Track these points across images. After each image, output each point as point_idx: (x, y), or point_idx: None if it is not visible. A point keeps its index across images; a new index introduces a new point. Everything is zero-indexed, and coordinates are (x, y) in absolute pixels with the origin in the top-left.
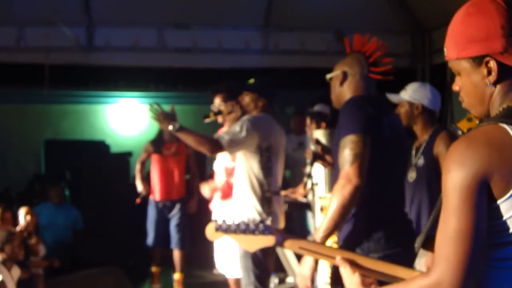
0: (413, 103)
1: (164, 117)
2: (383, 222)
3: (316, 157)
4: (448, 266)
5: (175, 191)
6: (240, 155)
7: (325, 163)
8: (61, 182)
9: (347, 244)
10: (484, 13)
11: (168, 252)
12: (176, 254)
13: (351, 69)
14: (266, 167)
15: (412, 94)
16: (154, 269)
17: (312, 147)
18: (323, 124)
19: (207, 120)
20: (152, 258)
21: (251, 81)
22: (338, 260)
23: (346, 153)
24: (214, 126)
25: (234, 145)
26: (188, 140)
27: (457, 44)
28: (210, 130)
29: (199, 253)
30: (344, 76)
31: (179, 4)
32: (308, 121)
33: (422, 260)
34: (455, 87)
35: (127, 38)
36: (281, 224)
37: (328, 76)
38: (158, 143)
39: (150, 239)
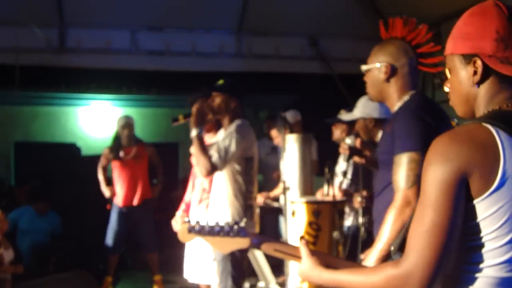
0: (366, 118)
1: (199, 115)
2: None
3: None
4: (420, 259)
5: (139, 195)
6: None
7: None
8: (24, 187)
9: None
10: (485, 14)
11: (142, 256)
12: (150, 257)
13: (397, 61)
14: (250, 175)
15: (362, 109)
16: (109, 278)
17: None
18: (288, 131)
19: (176, 124)
20: (108, 263)
21: (221, 81)
22: (300, 245)
23: (405, 173)
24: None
25: (227, 162)
26: (196, 151)
27: (453, 40)
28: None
29: (169, 257)
30: (392, 70)
31: (152, 7)
32: (275, 130)
33: None
34: (447, 85)
35: (100, 40)
36: (257, 228)
37: (366, 67)
38: (116, 149)
39: (107, 244)
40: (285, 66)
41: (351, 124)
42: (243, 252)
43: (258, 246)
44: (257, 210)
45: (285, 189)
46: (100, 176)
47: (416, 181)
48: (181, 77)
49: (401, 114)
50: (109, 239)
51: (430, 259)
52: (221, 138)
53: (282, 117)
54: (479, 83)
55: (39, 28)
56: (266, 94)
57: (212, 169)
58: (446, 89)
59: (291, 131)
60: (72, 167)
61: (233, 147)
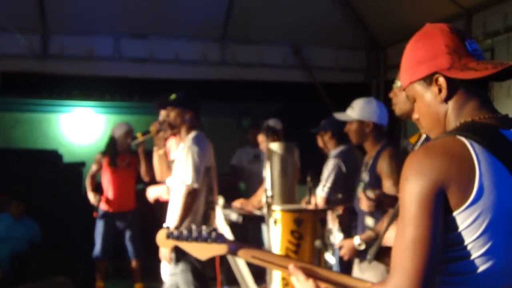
0: (363, 121)
1: (158, 134)
2: None
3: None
4: (405, 276)
5: (128, 202)
6: (180, 173)
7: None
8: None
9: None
10: (429, 36)
11: (124, 263)
12: (134, 264)
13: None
14: (209, 184)
15: (360, 112)
16: (99, 283)
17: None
18: (275, 138)
19: (136, 142)
20: (97, 269)
21: (173, 96)
22: (291, 269)
23: None
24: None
25: (198, 177)
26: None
27: (408, 69)
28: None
29: (151, 265)
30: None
31: (136, 14)
32: (261, 135)
33: (371, 272)
34: (415, 116)
35: (82, 47)
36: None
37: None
38: (113, 155)
39: (97, 250)
40: (268, 75)
41: (335, 132)
42: (206, 261)
43: (235, 253)
44: (240, 218)
45: (267, 198)
46: (88, 182)
47: None
48: (164, 85)
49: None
50: (98, 245)
51: (415, 275)
52: (183, 156)
53: (266, 126)
54: (447, 99)
55: (21, 35)
56: (249, 102)
57: (193, 191)
58: (416, 116)
59: (275, 139)
60: (54, 174)
61: (197, 160)
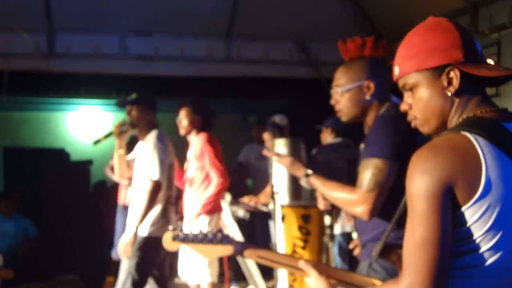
0: None
1: (120, 135)
2: None
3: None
4: (417, 275)
5: None
6: (144, 170)
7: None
8: (14, 193)
9: (372, 263)
10: (444, 28)
11: None
12: None
13: (377, 78)
14: (168, 181)
15: None
16: (110, 278)
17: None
18: (281, 134)
19: (98, 144)
20: (112, 265)
21: (134, 95)
22: (302, 264)
23: (366, 176)
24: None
25: (164, 172)
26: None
27: (417, 56)
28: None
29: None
30: (374, 87)
31: (141, 12)
32: (267, 132)
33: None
34: (404, 106)
35: (88, 45)
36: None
37: (344, 88)
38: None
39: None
40: (274, 71)
41: (335, 128)
42: (152, 258)
43: (241, 253)
44: (247, 214)
45: (274, 194)
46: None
47: (376, 187)
48: (170, 82)
49: (376, 123)
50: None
51: (427, 274)
52: (148, 153)
53: (272, 122)
54: (456, 93)
55: (28, 34)
56: (255, 99)
57: (159, 186)
58: (405, 106)
59: (281, 135)
60: (61, 172)
61: (162, 155)
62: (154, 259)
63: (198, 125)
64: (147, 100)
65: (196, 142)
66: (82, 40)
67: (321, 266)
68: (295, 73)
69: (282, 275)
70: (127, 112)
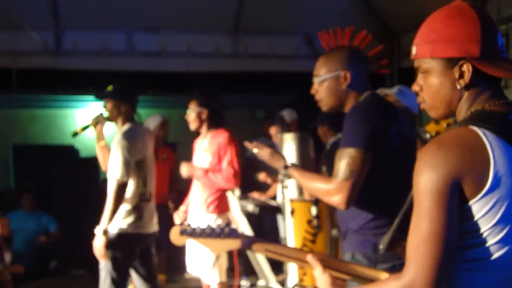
0: (409, 109)
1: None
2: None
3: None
4: (421, 268)
5: (163, 195)
6: (110, 169)
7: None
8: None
9: (354, 253)
10: (466, 17)
11: None
12: (159, 256)
13: (353, 68)
14: (142, 177)
15: (410, 100)
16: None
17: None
18: (289, 129)
19: (76, 136)
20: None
21: (110, 87)
22: (310, 259)
23: (342, 166)
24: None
25: (129, 171)
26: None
27: (433, 42)
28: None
29: (175, 256)
30: (350, 77)
31: (148, 8)
32: (275, 127)
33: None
34: (415, 87)
35: (96, 42)
36: (150, 228)
37: (321, 78)
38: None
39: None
40: (281, 65)
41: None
42: (129, 255)
43: (249, 247)
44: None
45: (283, 188)
46: None
47: (351, 176)
48: (177, 78)
49: (349, 113)
50: None
51: (431, 267)
52: (113, 150)
53: (280, 117)
54: (466, 87)
55: (35, 32)
56: (262, 94)
57: (123, 185)
58: (417, 88)
59: (289, 130)
60: (71, 168)
61: (126, 155)
62: (130, 256)
63: (207, 118)
64: (121, 93)
65: (214, 138)
66: (89, 37)
67: (330, 260)
68: (302, 67)
69: (292, 269)
70: (103, 104)
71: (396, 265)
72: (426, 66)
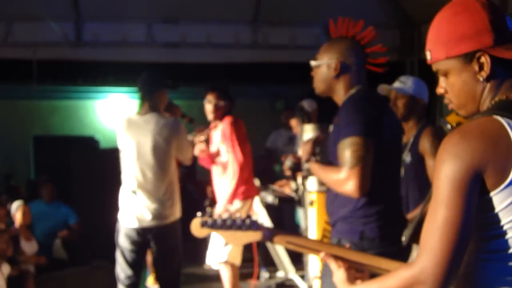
0: (415, 97)
1: None
2: (379, 221)
3: (296, 169)
4: (433, 256)
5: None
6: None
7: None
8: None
9: (342, 241)
10: (471, 10)
11: None
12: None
13: (347, 59)
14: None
15: (415, 88)
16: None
17: (288, 162)
18: (306, 120)
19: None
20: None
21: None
22: (322, 257)
23: (347, 155)
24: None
25: None
26: None
27: (446, 43)
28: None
29: (193, 248)
30: (341, 67)
31: None
32: (295, 118)
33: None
34: (440, 90)
35: (116, 33)
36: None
37: (315, 63)
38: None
39: None
40: (301, 56)
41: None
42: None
43: (270, 239)
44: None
45: (303, 179)
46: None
47: (359, 162)
48: (197, 69)
49: (344, 105)
50: None
51: (443, 256)
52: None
53: (300, 108)
54: (488, 78)
55: (56, 23)
56: (282, 84)
57: None
58: (441, 90)
59: (309, 120)
60: (91, 159)
61: None
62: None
63: (224, 110)
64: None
65: (223, 126)
66: (109, 28)
67: (346, 251)
68: None
69: (312, 261)
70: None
71: (382, 254)
72: (445, 68)
